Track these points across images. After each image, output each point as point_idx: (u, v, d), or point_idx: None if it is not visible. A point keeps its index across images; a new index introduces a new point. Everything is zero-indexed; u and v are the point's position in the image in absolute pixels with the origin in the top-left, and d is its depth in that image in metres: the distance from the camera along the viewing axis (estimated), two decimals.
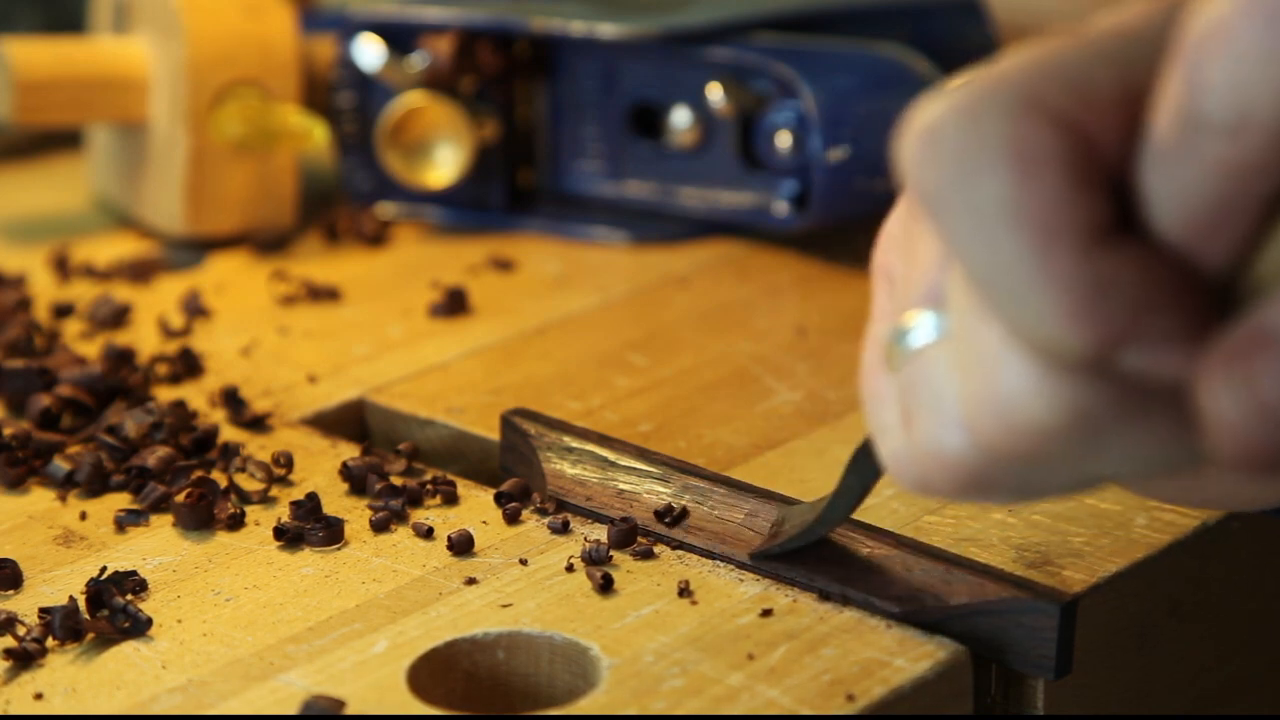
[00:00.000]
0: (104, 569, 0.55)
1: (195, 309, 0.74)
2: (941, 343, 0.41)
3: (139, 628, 0.53)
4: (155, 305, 0.75)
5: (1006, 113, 0.37)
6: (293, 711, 0.49)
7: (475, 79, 0.81)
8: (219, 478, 0.61)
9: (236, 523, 0.58)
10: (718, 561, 0.55)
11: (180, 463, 0.61)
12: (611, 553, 0.55)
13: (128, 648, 0.52)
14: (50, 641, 0.52)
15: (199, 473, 0.60)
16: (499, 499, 0.59)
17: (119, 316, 0.73)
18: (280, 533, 0.57)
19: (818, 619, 0.52)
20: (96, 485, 0.61)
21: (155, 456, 0.61)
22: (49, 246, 0.81)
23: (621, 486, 0.58)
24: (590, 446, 0.59)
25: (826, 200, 0.76)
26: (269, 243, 0.81)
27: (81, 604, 0.53)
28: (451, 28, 0.80)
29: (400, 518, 0.58)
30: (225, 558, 0.57)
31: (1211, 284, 0.37)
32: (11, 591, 0.55)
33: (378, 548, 0.57)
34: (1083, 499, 0.58)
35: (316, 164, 0.88)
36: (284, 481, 0.61)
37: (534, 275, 0.78)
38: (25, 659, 0.52)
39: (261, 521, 0.58)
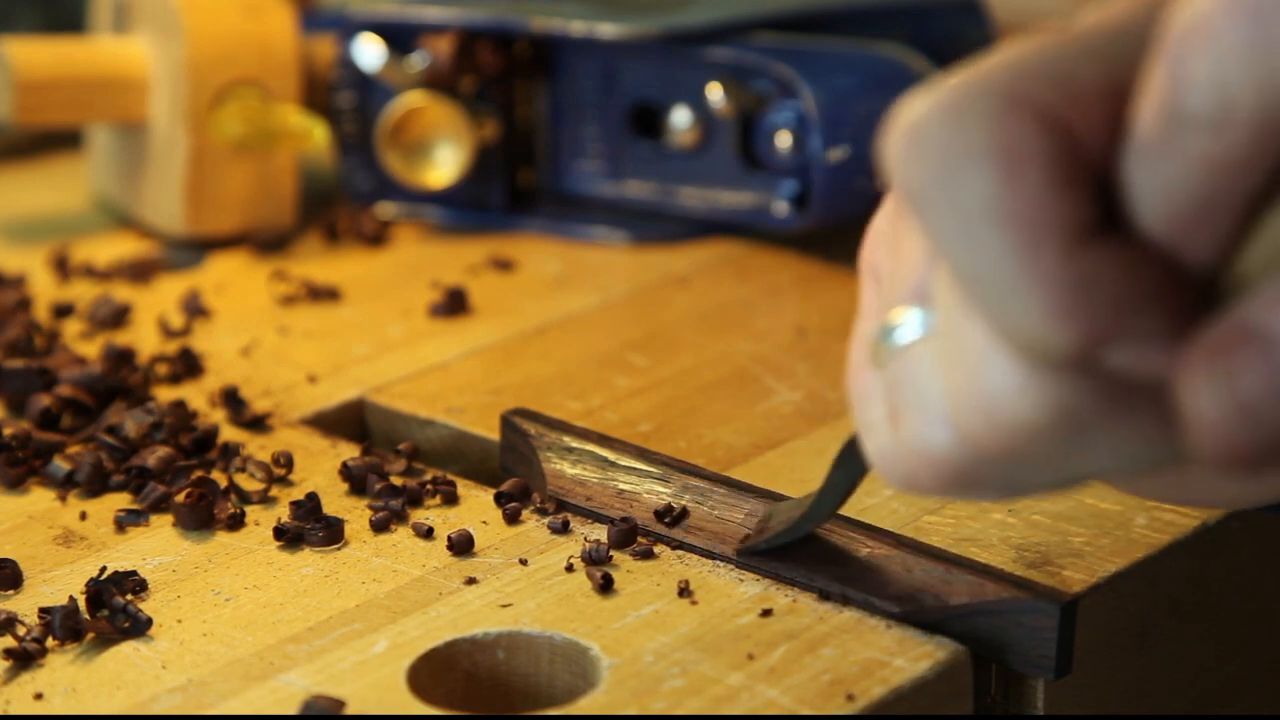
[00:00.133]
0: (104, 569, 0.55)
1: (195, 309, 0.74)
2: (927, 340, 0.41)
3: (139, 628, 0.53)
4: (155, 305, 0.75)
5: (991, 111, 0.37)
6: (293, 711, 0.49)
7: (475, 79, 0.81)
8: (219, 478, 0.61)
9: (236, 523, 0.58)
10: (718, 561, 0.55)
11: (180, 463, 0.61)
12: (611, 553, 0.55)
13: (128, 648, 0.52)
14: (50, 641, 0.52)
15: (199, 473, 0.60)
16: (499, 499, 0.59)
17: (119, 316, 0.73)
18: (280, 533, 0.57)
19: (818, 619, 0.52)
20: (96, 485, 0.61)
21: (155, 456, 0.61)
22: (49, 246, 0.81)
23: (621, 486, 0.58)
24: (590, 446, 0.59)
25: (826, 200, 0.76)
26: (269, 243, 0.81)
27: (81, 604, 0.53)
28: (451, 28, 0.80)
29: (400, 518, 0.58)
30: (225, 558, 0.57)
31: (1195, 280, 0.37)
32: (11, 591, 0.55)
33: (378, 548, 0.57)
34: (1082, 499, 0.58)
35: (316, 164, 0.88)
36: (284, 481, 0.61)
37: (534, 275, 0.78)
38: (25, 659, 0.52)
39: (261, 521, 0.58)
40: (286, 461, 0.61)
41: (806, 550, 0.54)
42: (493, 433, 0.63)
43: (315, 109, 0.83)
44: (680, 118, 0.79)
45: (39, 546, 0.58)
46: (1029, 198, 0.36)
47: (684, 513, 0.56)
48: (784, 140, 0.77)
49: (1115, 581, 0.54)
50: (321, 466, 0.62)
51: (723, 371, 0.68)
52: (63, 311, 0.74)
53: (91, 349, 0.71)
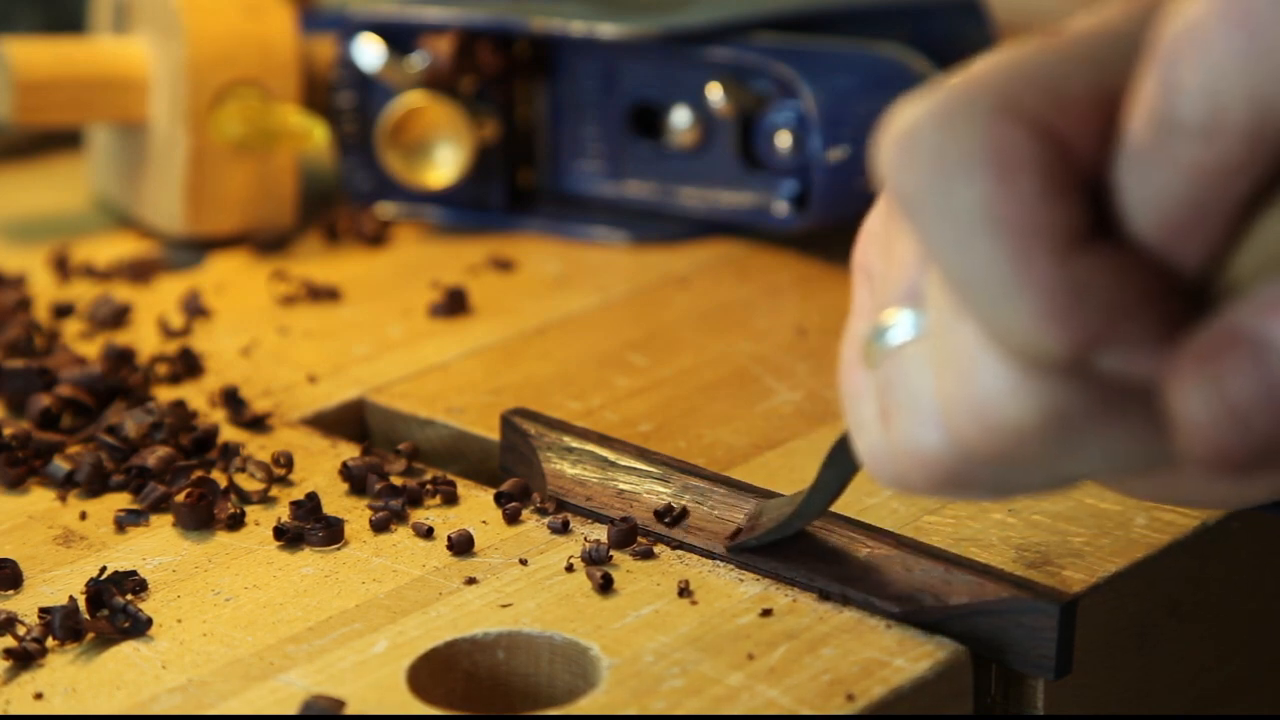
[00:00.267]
0: (104, 569, 0.55)
1: (195, 309, 0.74)
2: (919, 341, 0.41)
3: (139, 628, 0.53)
4: (155, 305, 0.75)
5: (983, 117, 0.37)
6: (293, 711, 0.49)
7: (475, 79, 0.81)
8: (219, 478, 0.61)
9: (236, 523, 0.58)
10: (718, 561, 0.55)
11: (180, 463, 0.61)
12: (611, 553, 0.55)
13: (128, 648, 0.52)
14: (50, 641, 0.52)
15: (199, 473, 0.60)
16: (499, 499, 0.59)
17: (119, 316, 0.73)
18: (280, 533, 0.57)
19: (818, 619, 0.52)
20: (96, 485, 0.61)
21: (155, 456, 0.61)
22: (49, 246, 0.81)
23: (621, 486, 0.58)
24: (590, 446, 0.59)
25: (826, 200, 0.76)
26: (269, 243, 0.81)
27: (81, 604, 0.53)
28: (451, 28, 0.80)
29: (400, 518, 0.58)
30: (225, 558, 0.57)
31: (1186, 285, 0.37)
32: (11, 591, 0.55)
33: (378, 548, 0.57)
34: (1082, 499, 0.58)
35: (316, 164, 0.88)
36: (284, 481, 0.61)
37: (534, 275, 0.78)
38: (25, 659, 0.52)
39: (261, 521, 0.58)
40: (286, 461, 0.61)
41: (805, 550, 0.54)
42: (493, 433, 0.63)
43: (315, 109, 0.83)
44: (680, 118, 0.79)
45: (39, 546, 0.58)
46: (1021, 204, 0.37)
47: (684, 513, 0.57)
48: (784, 140, 0.77)
49: (1115, 581, 0.54)
50: (321, 466, 0.62)
51: (723, 371, 0.68)
52: (63, 311, 0.74)
53: (91, 349, 0.71)
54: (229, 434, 0.64)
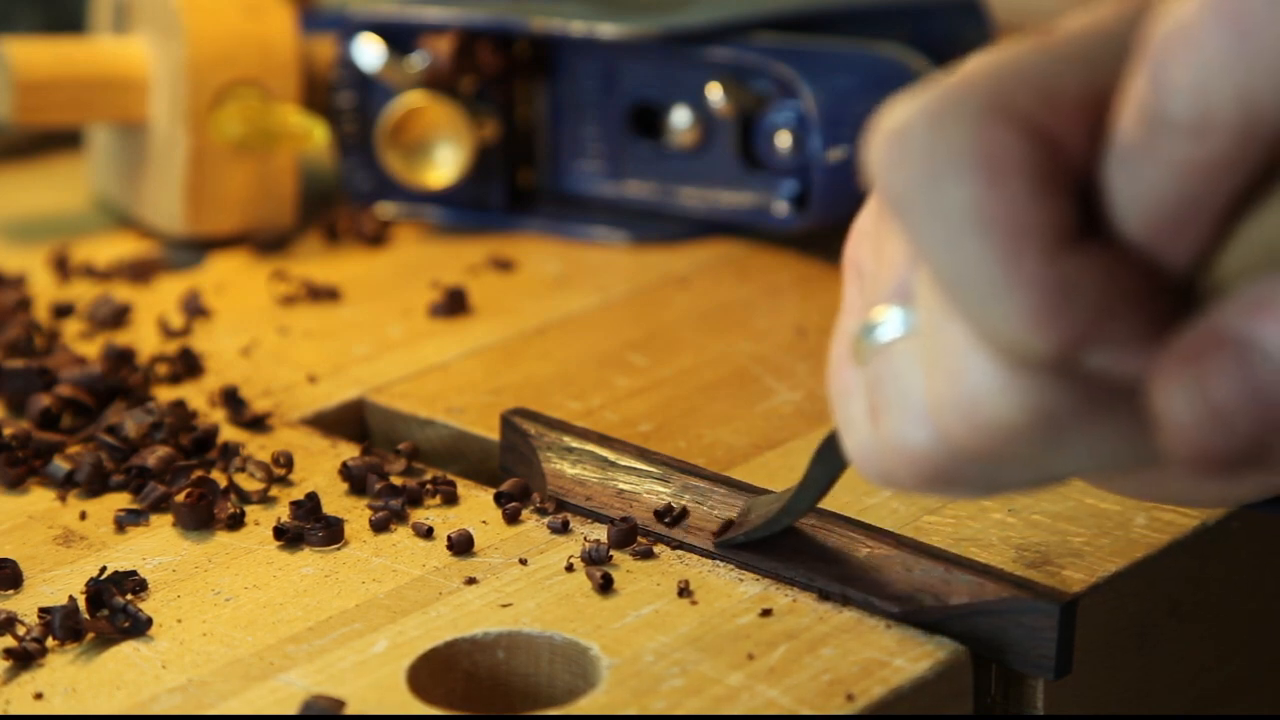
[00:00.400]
0: (104, 569, 0.55)
1: (195, 309, 0.74)
2: (909, 339, 0.42)
3: (139, 628, 0.53)
4: (155, 305, 0.75)
5: (974, 118, 0.37)
6: (293, 711, 0.49)
7: (475, 79, 0.81)
8: (219, 478, 0.61)
9: (236, 523, 0.58)
10: (718, 561, 0.55)
11: (180, 463, 0.61)
12: (611, 553, 0.55)
13: (128, 648, 0.52)
14: (50, 641, 0.52)
15: (199, 473, 0.60)
16: (499, 499, 0.59)
17: (119, 316, 0.73)
18: (280, 533, 0.57)
19: (817, 619, 0.52)
20: (96, 485, 0.61)
21: (155, 456, 0.61)
22: (49, 246, 0.81)
23: (621, 486, 0.58)
24: (590, 446, 0.59)
25: (826, 200, 0.76)
26: (269, 243, 0.81)
27: (81, 604, 0.53)
28: (451, 28, 0.80)
29: (400, 518, 0.58)
30: (225, 558, 0.57)
31: (1174, 284, 0.37)
32: (11, 591, 0.55)
33: (378, 548, 0.57)
34: (1082, 499, 0.58)
35: (316, 164, 0.88)
36: (284, 481, 0.61)
37: (534, 275, 0.78)
38: (25, 659, 0.52)
39: (261, 521, 0.58)
40: (286, 461, 0.61)
41: (805, 550, 0.54)
42: (493, 433, 0.63)
43: (315, 109, 0.84)
44: (680, 118, 0.79)
45: (39, 546, 0.58)
46: (1010, 204, 0.37)
47: (684, 513, 0.57)
48: (784, 140, 0.77)
49: (1115, 581, 0.54)
50: (321, 466, 0.62)
51: (723, 371, 0.68)
52: (63, 311, 0.74)
53: (91, 349, 0.71)
54: (229, 434, 0.64)
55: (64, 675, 0.51)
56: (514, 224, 0.83)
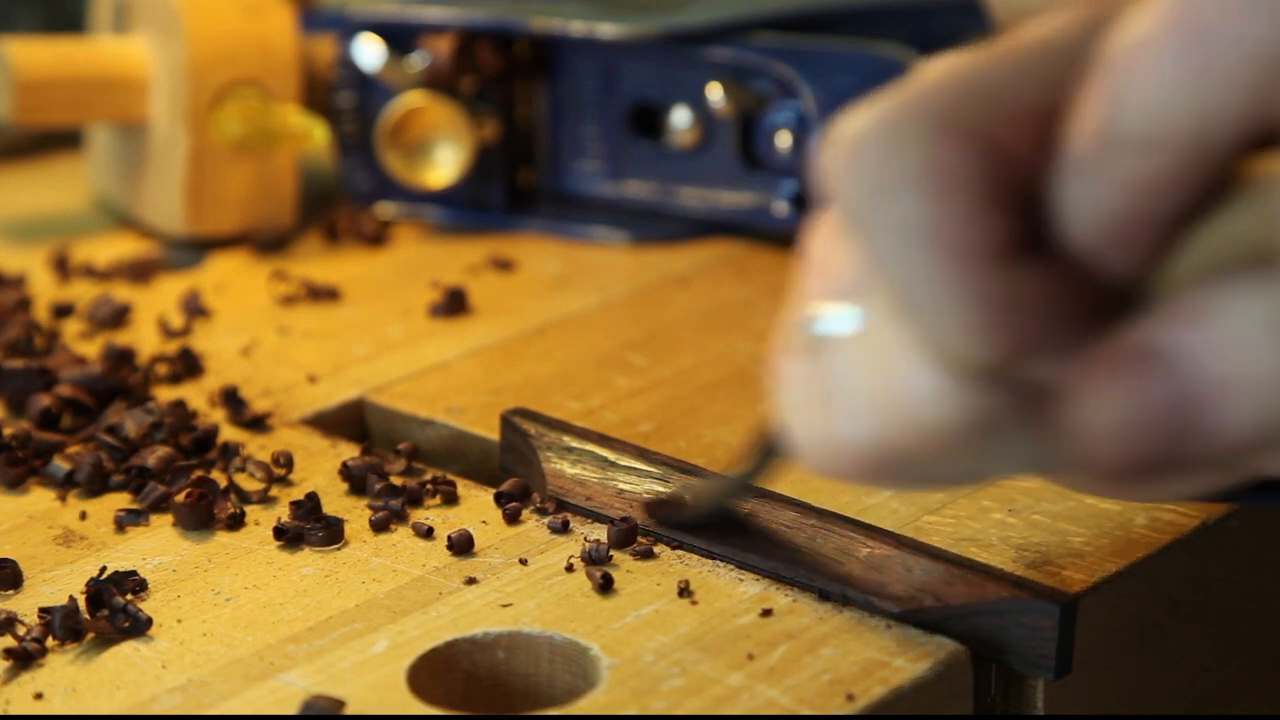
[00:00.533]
0: (104, 569, 0.55)
1: (195, 309, 0.74)
2: (859, 335, 0.42)
3: (139, 628, 0.53)
4: (155, 305, 0.75)
5: (926, 133, 0.38)
6: (293, 711, 0.49)
7: (475, 79, 0.81)
8: (219, 478, 0.61)
9: (236, 523, 0.58)
10: (718, 561, 0.55)
11: (180, 463, 0.61)
12: (611, 553, 0.55)
13: (128, 648, 0.52)
14: (50, 641, 0.52)
15: (199, 473, 0.60)
16: (499, 499, 0.59)
17: (119, 316, 0.73)
18: (280, 533, 0.57)
19: (818, 619, 0.52)
20: (96, 485, 0.61)
21: (155, 456, 0.61)
22: (49, 246, 0.81)
23: (621, 486, 0.58)
24: (590, 446, 0.59)
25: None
26: (269, 243, 0.81)
27: (81, 604, 0.53)
28: (451, 28, 0.80)
29: (400, 518, 0.58)
30: (225, 558, 0.57)
31: (1117, 296, 0.38)
32: (11, 591, 0.55)
33: (378, 548, 0.57)
34: (1082, 499, 0.58)
35: (316, 164, 0.88)
36: (284, 481, 0.61)
37: (534, 275, 0.78)
38: (25, 659, 0.52)
39: (261, 521, 0.58)
40: (286, 461, 0.61)
41: (805, 550, 0.54)
42: (493, 433, 0.63)
43: (315, 109, 0.84)
44: (680, 118, 0.79)
45: (39, 546, 0.58)
46: (957, 219, 0.38)
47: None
48: (784, 140, 0.77)
49: (1115, 581, 0.54)
50: (321, 466, 0.62)
51: (723, 371, 0.68)
52: (63, 311, 0.74)
53: (91, 349, 0.71)
54: (229, 434, 0.64)
55: (64, 675, 0.51)
56: (514, 224, 0.83)
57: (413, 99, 0.80)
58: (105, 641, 0.52)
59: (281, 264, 0.79)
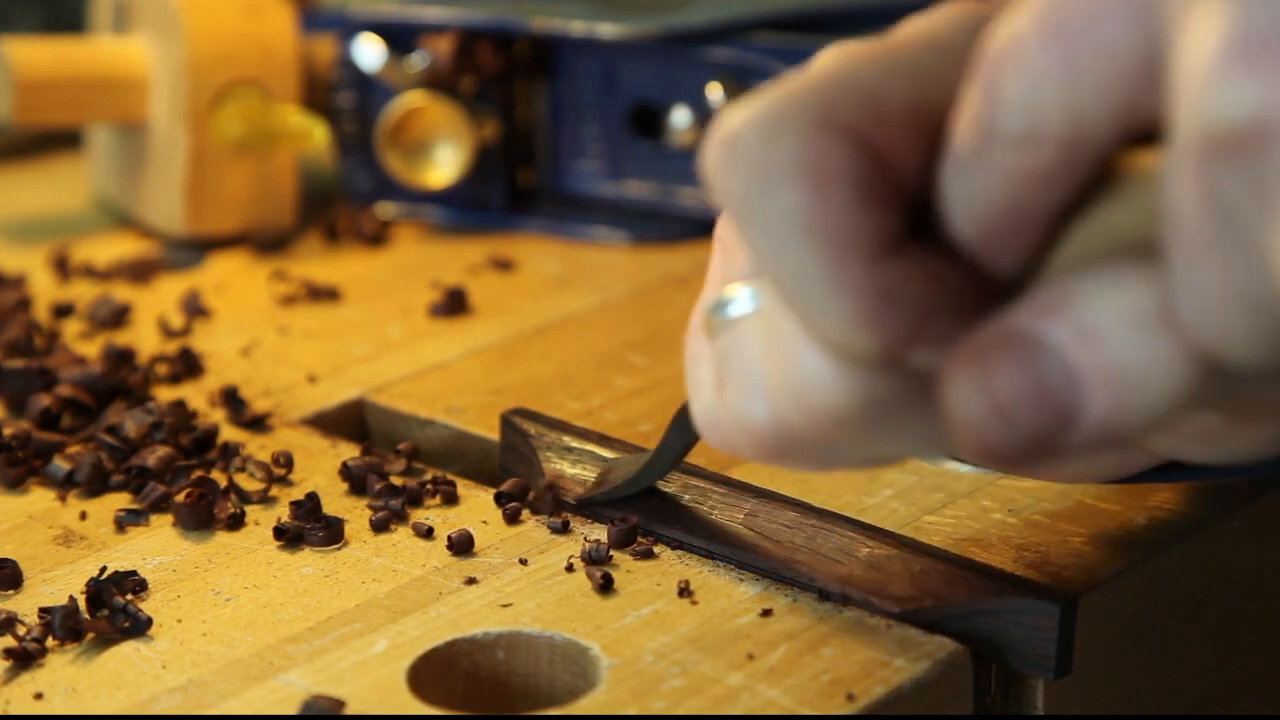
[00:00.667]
0: (104, 569, 0.55)
1: (195, 309, 0.74)
2: (755, 317, 0.43)
3: (139, 628, 0.53)
4: (155, 305, 0.75)
5: (802, 129, 0.39)
6: (293, 711, 0.49)
7: (475, 79, 0.81)
8: (219, 478, 0.61)
9: (236, 523, 0.58)
10: (718, 561, 0.55)
11: (180, 463, 0.61)
12: (611, 553, 0.55)
13: (128, 648, 0.52)
14: (50, 641, 0.52)
15: (199, 473, 0.60)
16: (499, 499, 0.59)
17: (119, 316, 0.73)
18: (280, 533, 0.57)
19: (818, 619, 0.52)
20: (96, 485, 0.61)
21: (155, 456, 0.61)
22: (49, 246, 0.81)
23: None
24: (590, 446, 0.59)
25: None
26: (269, 243, 0.81)
27: (81, 604, 0.53)
28: (451, 28, 0.80)
29: (400, 518, 0.58)
30: (225, 558, 0.57)
31: (1001, 288, 0.39)
32: (11, 591, 0.55)
33: (378, 548, 0.57)
34: (1082, 499, 0.58)
35: (316, 164, 0.88)
36: (284, 481, 0.61)
37: (534, 275, 0.78)
38: (25, 659, 0.52)
39: (261, 521, 0.58)
40: (286, 461, 0.61)
41: (805, 550, 0.54)
42: (493, 433, 0.63)
43: (315, 109, 0.84)
44: (680, 118, 0.80)
45: (39, 546, 0.58)
46: (835, 214, 0.38)
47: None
48: None
49: (1115, 581, 0.54)
50: (321, 466, 0.62)
51: None
52: (63, 311, 0.74)
53: (91, 349, 0.71)
54: (229, 434, 0.64)
55: (64, 675, 0.51)
56: (514, 224, 0.83)
57: (413, 99, 0.80)
58: (105, 641, 0.52)
59: (281, 264, 0.79)
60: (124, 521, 0.59)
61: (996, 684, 0.53)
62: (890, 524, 0.56)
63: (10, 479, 0.61)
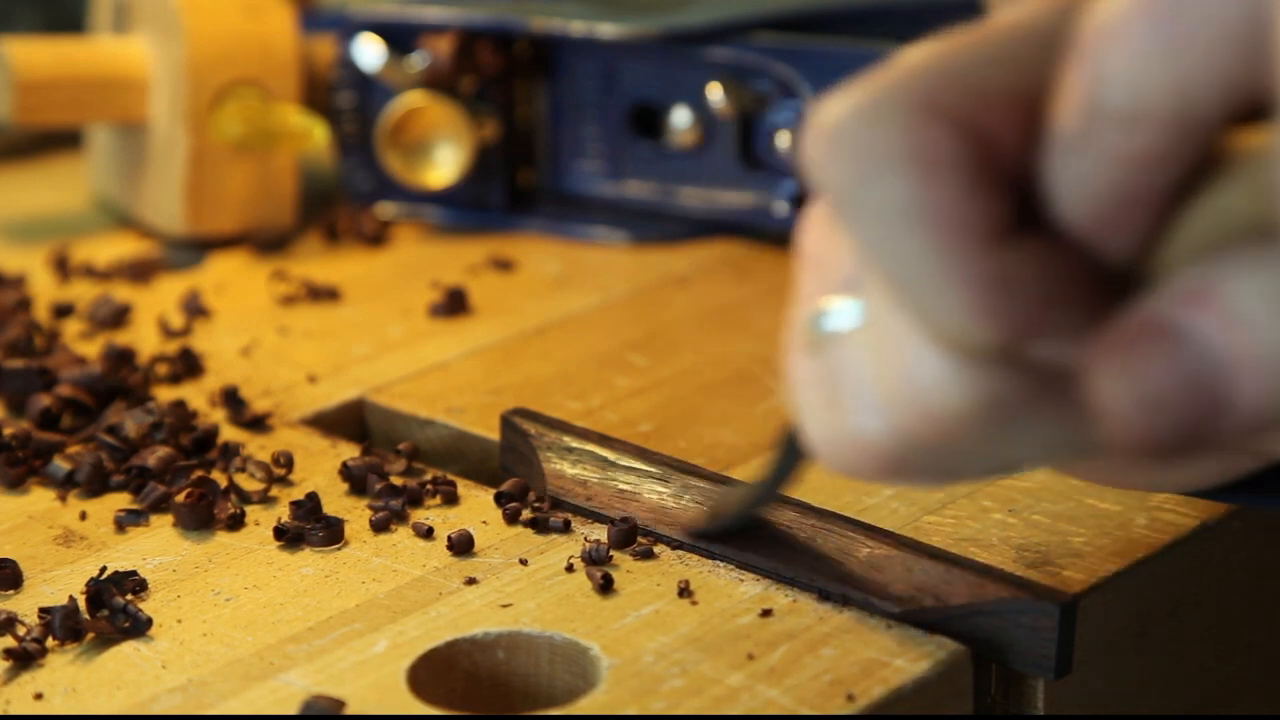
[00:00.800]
0: (104, 569, 0.55)
1: (195, 309, 0.74)
2: (860, 329, 0.42)
3: (139, 628, 0.53)
4: (155, 305, 0.75)
5: (906, 116, 0.38)
6: (293, 711, 0.49)
7: (475, 79, 0.81)
8: (219, 478, 0.61)
9: (236, 523, 0.58)
10: (718, 561, 0.55)
11: (180, 463, 0.61)
12: (611, 553, 0.55)
13: (128, 648, 0.52)
14: (50, 641, 0.52)
15: (199, 473, 0.60)
16: (499, 499, 0.59)
17: (119, 316, 0.73)
18: (280, 533, 0.57)
19: (818, 619, 0.52)
20: (96, 485, 0.61)
21: (155, 456, 0.61)
22: (49, 246, 0.81)
23: (621, 486, 0.58)
24: (590, 446, 0.59)
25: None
26: (269, 243, 0.81)
27: (81, 604, 0.53)
28: (451, 28, 0.80)
29: (400, 518, 0.58)
30: (225, 558, 0.57)
31: (1117, 275, 0.38)
32: (11, 591, 0.55)
33: (378, 548, 0.57)
34: (1082, 499, 0.58)
35: (316, 164, 0.88)
36: (284, 481, 0.61)
37: (534, 275, 0.78)
38: (25, 659, 0.52)
39: (261, 521, 0.58)
40: (286, 461, 0.61)
41: (805, 550, 0.54)
42: (493, 433, 0.63)
43: (315, 109, 0.84)
44: (680, 118, 0.79)
45: (39, 546, 0.58)
46: (945, 200, 0.37)
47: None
48: (784, 140, 0.77)
49: (1115, 581, 0.54)
50: (321, 466, 0.62)
51: (723, 371, 0.68)
52: (63, 311, 0.74)
53: (91, 349, 0.71)
54: (229, 434, 0.64)
55: (64, 675, 0.51)
56: (514, 224, 0.83)
57: (413, 99, 0.80)
58: (105, 641, 0.52)
59: (281, 264, 0.79)
60: (124, 521, 0.59)
61: (996, 684, 0.53)
62: (890, 524, 0.56)
63: (10, 479, 0.61)
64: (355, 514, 0.59)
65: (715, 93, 0.77)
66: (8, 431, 0.62)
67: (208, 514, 0.58)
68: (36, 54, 0.80)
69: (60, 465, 0.61)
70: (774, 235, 0.80)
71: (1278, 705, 0.62)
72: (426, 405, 0.66)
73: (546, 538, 0.57)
